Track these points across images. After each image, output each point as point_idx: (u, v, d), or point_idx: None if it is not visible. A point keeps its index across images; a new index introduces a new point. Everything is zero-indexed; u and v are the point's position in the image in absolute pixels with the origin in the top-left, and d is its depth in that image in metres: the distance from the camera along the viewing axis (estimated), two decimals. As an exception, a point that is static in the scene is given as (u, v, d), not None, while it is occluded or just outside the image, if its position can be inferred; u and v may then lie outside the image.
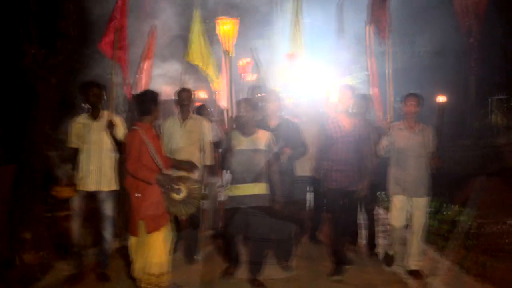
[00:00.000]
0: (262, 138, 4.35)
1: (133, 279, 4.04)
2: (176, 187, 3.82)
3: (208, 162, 4.99)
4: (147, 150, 3.86)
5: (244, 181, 4.29)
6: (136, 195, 3.87)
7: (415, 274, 4.49)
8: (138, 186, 3.86)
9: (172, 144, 4.87)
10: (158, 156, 3.93)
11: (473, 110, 12.35)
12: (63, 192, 4.26)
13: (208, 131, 5.06)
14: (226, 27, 4.86)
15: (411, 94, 4.60)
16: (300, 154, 4.62)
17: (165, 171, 3.94)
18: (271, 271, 4.62)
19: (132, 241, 3.97)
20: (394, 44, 8.84)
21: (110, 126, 4.34)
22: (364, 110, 4.95)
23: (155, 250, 3.88)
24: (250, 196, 4.25)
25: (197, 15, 5.97)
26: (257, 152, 4.29)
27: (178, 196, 3.83)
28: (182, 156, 4.67)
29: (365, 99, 5.01)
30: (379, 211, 6.25)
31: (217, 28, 4.99)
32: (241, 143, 4.33)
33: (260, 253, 4.42)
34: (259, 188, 4.30)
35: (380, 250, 5.19)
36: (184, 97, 5.02)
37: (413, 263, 4.53)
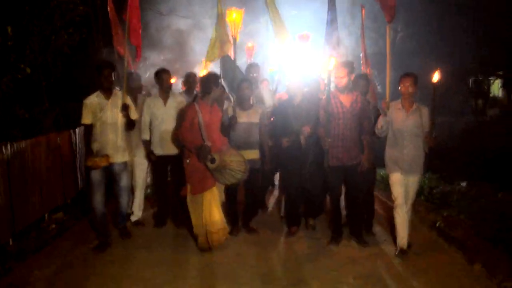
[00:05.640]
0: (257, 112, 5.01)
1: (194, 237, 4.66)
2: (210, 157, 4.29)
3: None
4: (197, 122, 4.37)
5: (242, 148, 4.87)
6: (187, 161, 4.45)
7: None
8: (188, 154, 4.44)
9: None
10: (205, 130, 4.38)
11: (454, 90, 12.88)
12: (100, 161, 4.49)
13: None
14: (233, 16, 5.28)
15: (406, 74, 4.47)
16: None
17: (207, 143, 4.36)
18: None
19: (188, 199, 4.50)
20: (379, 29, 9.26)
21: (125, 108, 4.62)
22: (365, 89, 4.99)
23: (207, 209, 4.41)
24: (248, 160, 4.74)
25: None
26: (252, 124, 4.95)
27: (211, 165, 4.31)
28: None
29: (366, 79, 5.09)
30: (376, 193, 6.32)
31: (227, 17, 5.33)
32: (240, 117, 4.93)
33: (253, 204, 5.28)
34: (254, 154, 5.02)
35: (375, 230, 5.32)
36: (164, 78, 5.26)
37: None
